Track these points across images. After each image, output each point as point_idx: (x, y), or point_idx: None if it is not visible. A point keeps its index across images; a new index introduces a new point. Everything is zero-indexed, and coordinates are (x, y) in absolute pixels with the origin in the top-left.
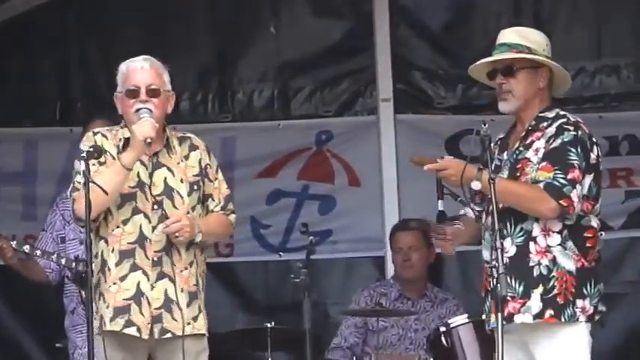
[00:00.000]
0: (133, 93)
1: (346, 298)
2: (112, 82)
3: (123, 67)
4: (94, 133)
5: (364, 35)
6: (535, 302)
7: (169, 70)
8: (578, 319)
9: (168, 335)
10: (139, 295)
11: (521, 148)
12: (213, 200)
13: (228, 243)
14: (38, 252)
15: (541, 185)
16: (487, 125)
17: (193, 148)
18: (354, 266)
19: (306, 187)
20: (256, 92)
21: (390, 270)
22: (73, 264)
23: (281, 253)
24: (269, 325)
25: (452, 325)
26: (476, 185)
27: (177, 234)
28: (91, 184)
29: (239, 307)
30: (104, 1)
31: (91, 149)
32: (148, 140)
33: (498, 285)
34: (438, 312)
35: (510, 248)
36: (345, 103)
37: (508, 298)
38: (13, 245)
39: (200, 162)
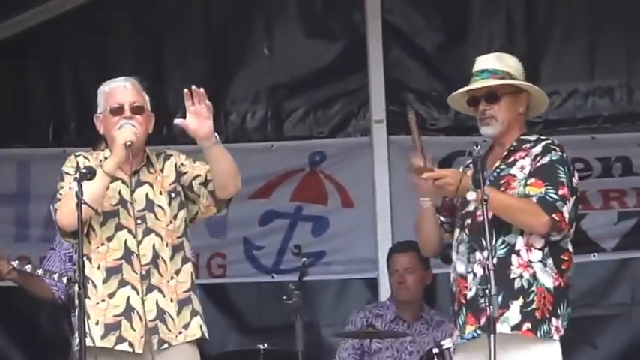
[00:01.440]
0: (117, 110)
1: (339, 320)
2: None
3: (104, 87)
4: (76, 156)
5: (357, 57)
6: (514, 313)
7: (162, 91)
8: (552, 337)
9: (165, 346)
10: (129, 311)
11: (502, 167)
12: (200, 177)
13: (220, 264)
14: (40, 271)
15: (534, 199)
16: (479, 147)
17: (167, 158)
18: (347, 287)
19: (299, 209)
20: (249, 113)
21: (383, 291)
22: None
23: (274, 275)
24: (262, 346)
25: (444, 347)
26: (471, 196)
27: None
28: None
29: (232, 328)
30: (97, 22)
31: (85, 170)
32: (128, 144)
33: (490, 307)
34: (433, 334)
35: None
36: (338, 125)
37: (485, 306)
38: (15, 265)
39: (175, 167)
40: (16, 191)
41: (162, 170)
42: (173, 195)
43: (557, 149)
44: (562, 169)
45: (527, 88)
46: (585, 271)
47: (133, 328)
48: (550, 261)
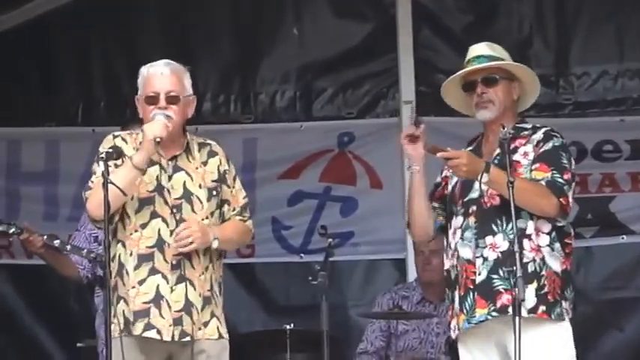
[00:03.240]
0: (152, 99)
1: (367, 300)
2: (135, 83)
3: (144, 71)
4: (114, 137)
5: (387, 37)
6: (530, 297)
7: (191, 72)
8: (564, 319)
9: (187, 338)
10: (158, 298)
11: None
12: (229, 206)
13: (249, 244)
14: (68, 247)
15: (542, 183)
16: (506, 128)
17: (212, 154)
18: (375, 268)
19: (328, 189)
20: (279, 93)
21: (411, 272)
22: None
23: (302, 255)
24: (288, 326)
25: None
26: (483, 178)
27: (189, 239)
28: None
29: (259, 308)
30: (127, 2)
31: (110, 150)
32: (157, 140)
33: (516, 289)
34: None
35: (502, 243)
36: (367, 105)
37: (501, 290)
38: (44, 239)
39: (219, 168)
40: (45, 170)
41: (204, 164)
42: (214, 193)
43: (558, 135)
44: (564, 154)
45: (525, 73)
46: (614, 253)
47: (162, 315)
48: (557, 245)
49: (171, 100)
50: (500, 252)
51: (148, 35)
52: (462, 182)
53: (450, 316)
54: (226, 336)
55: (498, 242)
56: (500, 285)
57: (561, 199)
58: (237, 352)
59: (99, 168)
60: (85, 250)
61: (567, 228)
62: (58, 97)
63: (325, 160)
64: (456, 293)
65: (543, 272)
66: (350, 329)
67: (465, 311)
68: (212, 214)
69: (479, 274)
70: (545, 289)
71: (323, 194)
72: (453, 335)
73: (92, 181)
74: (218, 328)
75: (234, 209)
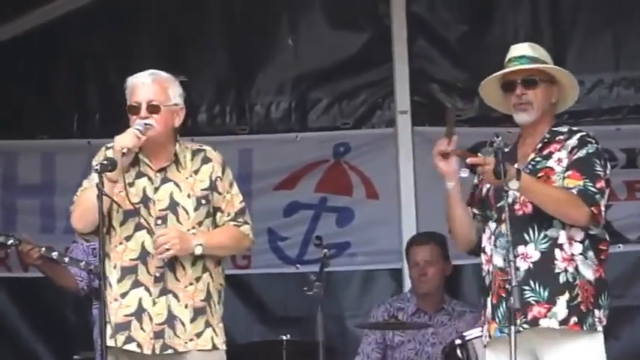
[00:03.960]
0: (134, 109)
1: (364, 311)
2: None
3: (128, 81)
4: (107, 148)
5: (382, 48)
6: (561, 308)
7: (186, 83)
8: (597, 329)
9: (170, 351)
10: (140, 312)
11: (538, 159)
12: (222, 213)
13: (245, 255)
14: (67, 259)
15: (574, 191)
16: (500, 137)
17: (206, 161)
18: (371, 279)
19: (323, 200)
20: (274, 104)
21: (408, 282)
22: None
23: (298, 266)
24: (285, 337)
25: (467, 338)
26: (514, 185)
27: (166, 246)
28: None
29: (256, 319)
30: (121, 14)
31: (105, 162)
32: (124, 151)
33: (511, 298)
34: (455, 325)
35: (534, 254)
36: (362, 116)
37: (532, 302)
38: (42, 251)
39: (211, 175)
40: (42, 182)
41: (196, 172)
42: (204, 202)
43: (593, 141)
44: (599, 162)
45: (566, 78)
46: (610, 262)
47: (142, 329)
48: (591, 253)
49: (152, 109)
50: (532, 262)
51: (143, 47)
52: (495, 187)
53: (482, 322)
54: (222, 347)
55: (530, 252)
56: (531, 297)
57: (593, 208)
58: None
59: (86, 181)
60: (84, 262)
61: (601, 234)
62: (53, 110)
63: (321, 170)
64: (489, 300)
65: (577, 282)
66: (346, 340)
67: (497, 320)
68: (200, 223)
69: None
70: (578, 299)
71: (319, 205)
72: (485, 341)
73: (77, 195)
74: (213, 338)
75: (228, 214)
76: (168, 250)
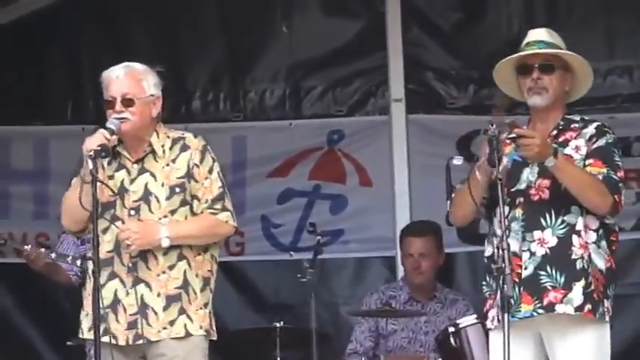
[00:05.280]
0: (109, 104)
1: (357, 298)
2: None
3: (102, 76)
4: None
5: (376, 35)
6: (577, 294)
7: (180, 70)
8: (605, 319)
9: (141, 342)
10: (115, 303)
11: (554, 145)
12: (199, 201)
13: (239, 242)
14: (53, 255)
15: (600, 177)
16: (494, 125)
17: (184, 148)
18: (365, 266)
19: (317, 187)
20: (268, 91)
21: (401, 270)
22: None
23: (292, 253)
24: (278, 324)
25: (460, 326)
26: (550, 162)
27: (127, 242)
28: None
29: (249, 306)
30: (116, 1)
31: (99, 148)
32: (90, 153)
33: (505, 286)
34: (447, 313)
35: (551, 239)
36: (356, 103)
37: (548, 287)
38: (51, 257)
39: (188, 163)
40: (35, 169)
41: (174, 160)
42: (178, 190)
43: (610, 131)
44: (617, 152)
45: (582, 66)
46: None
47: (117, 320)
48: (603, 243)
49: (127, 102)
50: (549, 247)
51: (137, 33)
52: (509, 171)
53: (490, 305)
54: (198, 333)
55: (547, 238)
56: (547, 282)
57: (615, 197)
58: (226, 350)
59: (76, 178)
60: (70, 257)
61: (613, 225)
62: (47, 96)
63: (315, 158)
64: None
65: (590, 270)
66: (340, 327)
67: (513, 302)
68: (173, 212)
69: (525, 269)
70: (592, 287)
71: (312, 192)
72: (492, 325)
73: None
74: (186, 325)
75: (205, 201)
76: (129, 245)
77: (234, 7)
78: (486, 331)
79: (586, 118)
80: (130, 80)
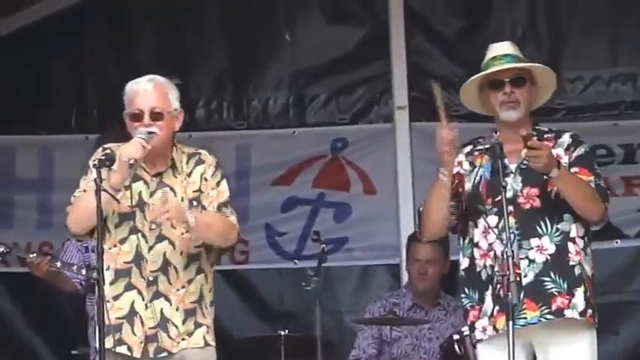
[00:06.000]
0: (137, 117)
1: (361, 306)
2: None
3: (127, 88)
4: (104, 149)
5: (379, 43)
6: (580, 300)
7: (184, 78)
8: (596, 324)
9: (164, 354)
10: (132, 315)
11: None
12: (205, 209)
13: (243, 250)
14: (58, 264)
15: (592, 186)
16: (498, 133)
17: (199, 163)
18: (369, 274)
19: (321, 195)
20: (271, 100)
21: (405, 278)
22: (87, 271)
23: (296, 261)
24: (283, 332)
25: (465, 334)
26: (554, 173)
27: (165, 215)
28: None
29: (253, 314)
30: (119, 9)
31: (103, 157)
32: (131, 162)
33: (509, 294)
34: (451, 320)
35: (549, 246)
36: (360, 111)
37: (554, 292)
38: (57, 265)
39: (201, 176)
40: (39, 177)
41: (189, 175)
42: (195, 203)
43: (584, 140)
44: (594, 161)
45: (548, 79)
46: (608, 257)
47: (134, 332)
48: (589, 250)
49: (156, 116)
50: (549, 254)
51: (141, 42)
52: (489, 181)
53: (475, 316)
54: (213, 343)
55: (545, 244)
56: (553, 288)
57: (606, 204)
58: (231, 358)
59: (83, 181)
60: (76, 266)
61: (592, 233)
62: (51, 105)
63: (318, 166)
64: (487, 294)
65: (584, 276)
66: (344, 334)
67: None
68: None
69: (525, 276)
70: (588, 293)
71: (316, 200)
72: (484, 337)
73: (74, 196)
74: (204, 336)
75: (212, 207)
76: (167, 219)
77: (238, 15)
78: (473, 344)
79: (554, 129)
80: (157, 93)
